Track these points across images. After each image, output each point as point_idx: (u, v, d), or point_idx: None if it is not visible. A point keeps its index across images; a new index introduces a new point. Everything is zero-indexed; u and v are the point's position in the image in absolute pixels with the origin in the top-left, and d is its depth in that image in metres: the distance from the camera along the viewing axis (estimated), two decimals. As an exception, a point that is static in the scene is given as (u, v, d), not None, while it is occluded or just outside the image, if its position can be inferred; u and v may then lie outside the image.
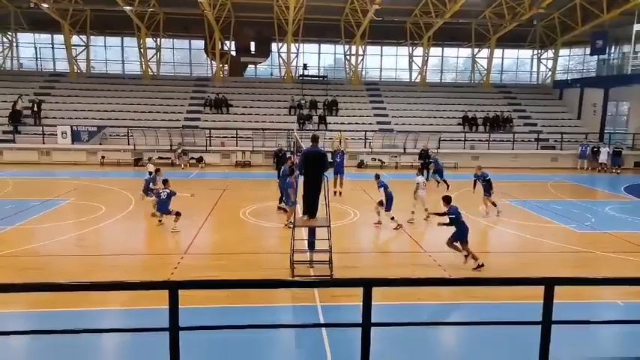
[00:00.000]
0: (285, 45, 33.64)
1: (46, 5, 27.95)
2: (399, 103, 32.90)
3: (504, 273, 9.66)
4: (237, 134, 27.65)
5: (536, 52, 36.84)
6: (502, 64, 37.74)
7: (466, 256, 10.19)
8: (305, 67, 34.23)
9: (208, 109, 30.78)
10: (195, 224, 13.25)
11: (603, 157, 26.98)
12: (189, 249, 11.26)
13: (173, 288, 2.62)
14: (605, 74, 30.88)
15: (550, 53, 36.39)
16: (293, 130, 26.36)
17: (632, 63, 28.12)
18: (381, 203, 13.39)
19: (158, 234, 12.76)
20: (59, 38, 33.32)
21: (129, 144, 27.04)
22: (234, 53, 34.71)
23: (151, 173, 16.67)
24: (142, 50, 33.68)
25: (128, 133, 27.05)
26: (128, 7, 28.00)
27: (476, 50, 35.88)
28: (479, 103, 32.73)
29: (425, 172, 20.62)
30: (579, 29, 30.43)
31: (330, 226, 9.62)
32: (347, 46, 35.12)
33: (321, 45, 36.14)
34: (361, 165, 27.13)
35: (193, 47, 35.92)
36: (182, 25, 33.13)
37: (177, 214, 12.79)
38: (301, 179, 10.19)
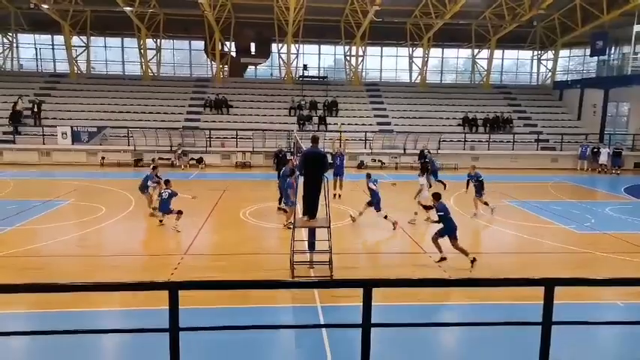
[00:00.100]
0: (285, 46, 33.66)
1: (46, 6, 27.96)
2: (399, 104, 32.90)
3: (504, 274, 9.67)
4: (237, 135, 27.65)
5: (536, 52, 36.86)
6: (502, 64, 37.76)
7: (472, 261, 10.17)
8: (305, 67, 34.25)
9: (208, 110, 30.79)
10: (195, 225, 13.25)
11: (603, 158, 26.98)
12: (189, 249, 11.26)
13: (173, 288, 2.62)
14: (605, 75, 30.87)
15: (550, 54, 36.40)
16: (293, 130, 26.37)
17: (632, 64, 28.13)
18: (370, 203, 13.51)
19: (158, 234, 12.76)
20: (59, 39, 33.34)
21: (129, 145, 27.05)
22: (234, 54, 34.73)
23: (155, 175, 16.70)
24: (142, 51, 33.70)
25: (128, 133, 27.06)
26: (128, 8, 28.02)
27: (476, 51, 35.90)
28: (479, 104, 32.74)
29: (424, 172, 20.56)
30: (579, 30, 30.43)
31: (330, 227, 9.62)
32: (347, 47, 35.14)
33: (321, 46, 36.16)
34: (361, 166, 27.13)
35: (193, 48, 35.94)
36: (182, 25, 33.15)
37: (179, 212, 12.81)
38: (301, 180, 10.20)
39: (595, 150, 27.58)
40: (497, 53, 35.95)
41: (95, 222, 13.63)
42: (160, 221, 13.17)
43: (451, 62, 38.88)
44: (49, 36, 34.18)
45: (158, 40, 34.24)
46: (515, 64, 38.61)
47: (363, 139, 28.46)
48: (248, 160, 27.29)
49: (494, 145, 29.46)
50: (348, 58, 35.62)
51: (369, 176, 14.04)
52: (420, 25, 32.94)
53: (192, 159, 26.71)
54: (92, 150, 26.89)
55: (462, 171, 25.70)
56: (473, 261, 10.07)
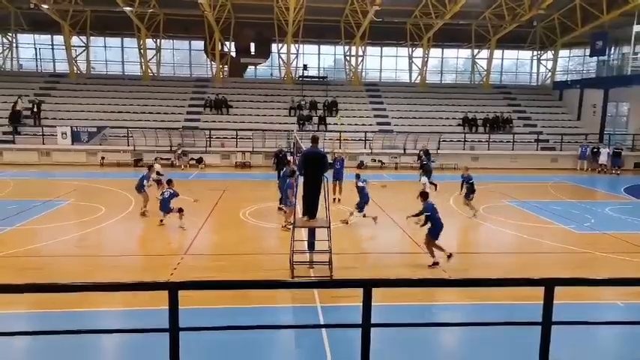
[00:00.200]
0: (285, 46, 33.65)
1: (46, 6, 27.95)
2: (399, 104, 32.90)
3: (504, 274, 9.67)
4: (237, 135, 27.65)
5: (536, 53, 36.86)
6: (502, 65, 37.76)
7: (448, 257, 10.30)
8: (305, 67, 34.25)
9: (208, 110, 30.78)
10: (195, 225, 13.25)
11: (603, 158, 26.98)
12: (189, 250, 11.26)
13: (173, 289, 2.62)
14: (605, 75, 30.87)
15: (550, 54, 36.41)
16: (293, 130, 26.37)
17: (631, 64, 28.13)
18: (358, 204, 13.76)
19: (158, 235, 12.76)
20: (59, 39, 33.33)
21: (129, 145, 27.04)
22: (234, 54, 34.72)
23: (157, 173, 16.73)
24: (141, 51, 33.69)
25: (128, 133, 27.05)
26: (128, 8, 28.02)
27: (476, 51, 35.91)
28: (479, 104, 32.74)
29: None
30: (579, 30, 30.44)
31: (330, 227, 9.63)
32: (347, 47, 35.14)
33: (321, 46, 36.17)
34: (361, 166, 27.03)
35: (193, 48, 35.94)
36: (182, 25, 33.14)
37: (180, 210, 12.82)
38: (301, 180, 10.20)
39: (595, 150, 27.58)
40: (497, 53, 35.96)
41: (95, 222, 13.63)
42: (161, 221, 13.16)
43: (451, 62, 38.89)
44: (49, 36, 34.18)
45: (158, 40, 34.23)
46: (515, 64, 38.62)
47: (363, 139, 28.46)
48: (248, 160, 27.29)
49: (494, 145, 29.46)
50: (347, 58, 35.62)
51: (358, 176, 14.34)
52: (419, 25, 32.94)
53: (192, 159, 26.71)
54: (92, 150, 26.89)
55: (461, 171, 25.73)
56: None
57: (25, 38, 34.69)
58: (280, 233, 12.70)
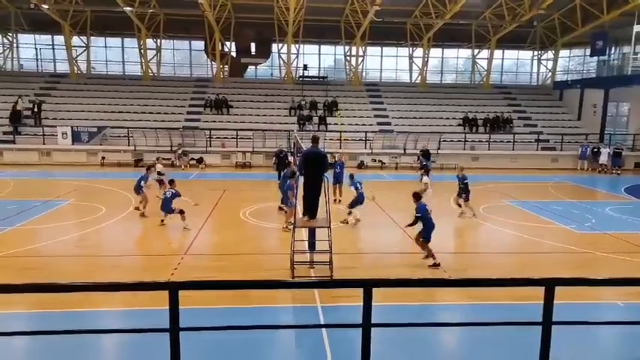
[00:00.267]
0: (286, 46, 33.66)
1: (46, 6, 27.96)
2: (400, 104, 32.90)
3: (504, 274, 9.67)
4: (237, 135, 27.66)
5: (536, 53, 36.85)
6: (502, 65, 37.75)
7: (430, 257, 10.37)
8: (305, 67, 34.24)
9: (208, 110, 30.79)
10: (195, 225, 13.24)
11: (603, 158, 26.97)
12: (189, 250, 11.26)
13: (173, 289, 2.62)
14: (606, 75, 30.86)
15: (550, 54, 36.40)
16: (293, 130, 26.37)
17: (632, 64, 28.11)
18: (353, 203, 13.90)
19: (158, 235, 12.76)
20: (59, 39, 33.35)
21: (129, 145, 27.05)
22: (234, 54, 34.72)
23: (159, 173, 16.76)
24: (142, 51, 33.70)
25: (128, 133, 27.06)
26: (128, 8, 28.03)
27: (476, 51, 35.89)
28: (479, 104, 32.74)
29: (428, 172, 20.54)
30: (579, 30, 30.43)
31: (330, 227, 9.63)
32: (347, 47, 35.13)
33: (322, 46, 36.16)
34: (361, 166, 27.14)
35: (193, 48, 35.95)
36: (182, 25, 33.14)
37: (181, 212, 12.82)
38: (301, 180, 10.20)
39: (595, 150, 27.57)
40: (498, 53, 35.95)
41: (95, 222, 13.63)
42: (162, 221, 13.15)
43: (451, 62, 38.88)
44: (49, 36, 34.19)
45: (158, 40, 34.24)
46: (516, 64, 38.61)
47: (363, 139, 28.46)
48: (248, 160, 27.29)
49: (494, 145, 29.46)
50: (348, 58, 35.62)
51: (352, 177, 14.59)
52: (420, 25, 32.94)
53: (192, 159, 26.72)
54: (92, 150, 26.90)
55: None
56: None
57: (25, 38, 34.71)
58: (281, 233, 12.70)
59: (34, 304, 7.64)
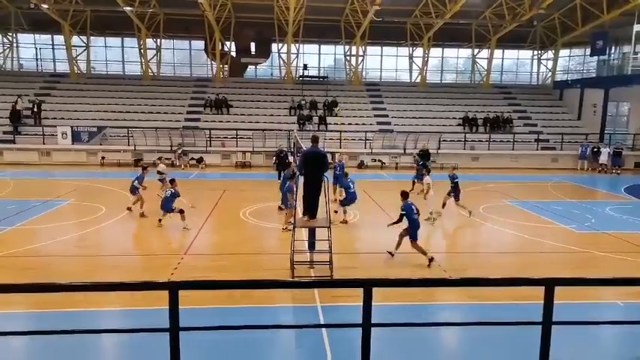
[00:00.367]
0: (286, 45, 33.65)
1: (46, 6, 27.95)
2: (399, 104, 32.90)
3: (504, 273, 9.66)
4: (237, 135, 27.66)
5: (536, 52, 36.84)
6: (502, 64, 37.74)
7: (394, 252, 10.57)
8: (305, 67, 34.23)
9: (208, 110, 30.78)
10: (195, 225, 13.24)
11: (603, 158, 26.97)
12: (189, 249, 11.26)
13: (173, 288, 2.62)
14: (606, 75, 30.85)
15: (550, 54, 36.39)
16: (293, 130, 26.37)
17: (632, 63, 28.09)
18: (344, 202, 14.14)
19: (158, 235, 12.76)
20: (59, 39, 33.34)
21: (129, 144, 27.05)
22: (234, 54, 34.72)
23: (160, 172, 16.77)
24: (142, 51, 33.69)
25: (128, 133, 27.06)
26: (128, 8, 28.02)
27: (476, 51, 35.89)
28: (479, 104, 32.72)
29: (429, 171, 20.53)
30: (579, 30, 30.43)
31: (330, 227, 9.63)
32: (347, 47, 35.13)
33: (322, 45, 36.15)
34: (361, 165, 27.14)
35: (193, 48, 35.94)
36: (182, 25, 33.13)
37: (181, 211, 12.82)
38: (301, 180, 10.19)
39: (595, 150, 27.57)
40: (498, 53, 35.95)
41: (95, 222, 13.63)
42: (159, 220, 13.14)
43: (451, 62, 38.88)
44: (49, 36, 34.18)
45: (158, 40, 34.24)
46: (516, 63, 38.60)
47: (363, 139, 28.46)
48: (248, 160, 27.29)
49: (494, 145, 29.45)
50: (348, 57, 35.62)
51: (346, 175, 14.83)
52: (420, 25, 32.93)
53: (192, 159, 26.72)
54: (92, 150, 26.90)
55: (462, 171, 25.71)
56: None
57: (25, 38, 34.71)
58: (281, 233, 12.70)
59: (34, 304, 7.64)
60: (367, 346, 2.75)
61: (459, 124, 31.08)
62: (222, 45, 33.77)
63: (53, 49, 34.55)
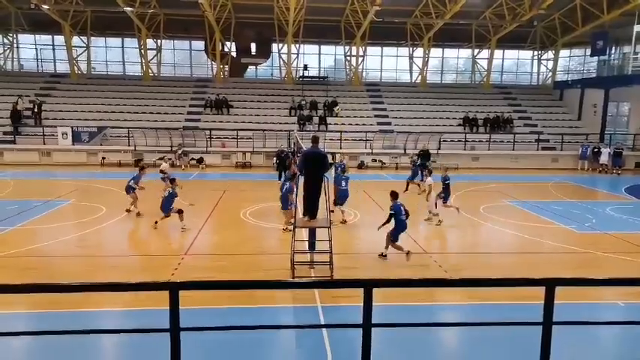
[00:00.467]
0: (286, 46, 33.66)
1: (46, 6, 27.96)
2: (400, 104, 32.90)
3: (505, 273, 9.66)
4: (237, 135, 27.66)
5: (536, 52, 36.84)
6: (502, 64, 37.74)
7: (386, 252, 10.61)
8: (305, 67, 34.24)
9: (209, 110, 30.79)
10: (195, 225, 13.25)
11: (604, 158, 26.96)
12: (189, 250, 11.26)
13: (174, 289, 2.62)
14: (606, 75, 30.85)
15: (550, 54, 36.38)
16: (293, 130, 26.38)
17: (632, 64, 28.10)
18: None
19: (159, 235, 12.75)
20: (60, 39, 33.35)
21: (129, 145, 27.06)
22: (234, 54, 34.72)
23: (162, 172, 16.79)
24: (142, 51, 33.71)
25: (129, 133, 27.07)
26: (129, 8, 28.03)
27: (476, 51, 35.89)
28: (479, 104, 32.73)
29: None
30: (580, 30, 30.42)
31: (330, 227, 9.63)
32: (347, 47, 35.13)
33: (322, 46, 36.15)
34: (361, 166, 27.14)
35: (194, 48, 35.94)
36: (182, 26, 33.15)
37: (180, 212, 12.81)
38: (301, 180, 10.20)
39: (596, 150, 27.56)
40: (498, 53, 35.94)
41: (96, 222, 13.64)
42: (155, 222, 13.09)
43: (451, 62, 38.87)
44: (50, 36, 34.20)
45: (158, 41, 34.25)
46: (516, 64, 38.59)
47: (364, 139, 28.46)
48: (248, 160, 27.30)
49: (494, 145, 29.45)
50: (348, 58, 35.62)
51: (344, 171, 15.05)
52: (420, 25, 32.93)
53: (192, 159, 26.71)
54: (92, 150, 26.91)
55: (462, 171, 25.74)
56: (383, 255, 10.58)
57: (25, 38, 34.73)
58: (281, 234, 12.70)
59: (35, 304, 7.64)
60: (368, 346, 2.75)
61: (459, 125, 31.08)
62: (223, 45, 33.78)
63: (54, 49, 34.57)
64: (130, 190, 14.52)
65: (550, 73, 36.61)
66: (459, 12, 28.61)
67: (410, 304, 7.91)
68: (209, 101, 31.04)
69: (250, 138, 27.56)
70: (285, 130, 28.06)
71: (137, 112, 30.07)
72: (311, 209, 10.04)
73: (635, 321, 3.29)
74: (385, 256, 10.68)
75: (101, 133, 27.26)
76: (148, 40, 33.39)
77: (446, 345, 7.38)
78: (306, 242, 10.38)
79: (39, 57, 34.97)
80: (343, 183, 14.40)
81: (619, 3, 26.52)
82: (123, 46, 35.45)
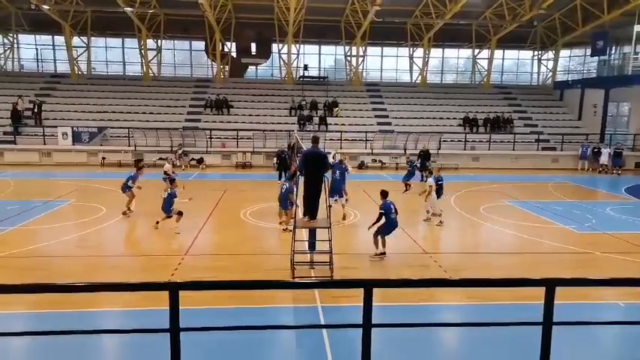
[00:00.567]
0: (286, 46, 33.67)
1: (46, 6, 27.98)
2: (400, 104, 32.91)
3: (505, 274, 9.66)
4: (237, 135, 27.67)
5: (536, 52, 36.85)
6: (502, 64, 37.75)
7: (380, 254, 10.67)
8: (305, 68, 34.23)
9: (209, 110, 30.79)
10: (195, 225, 13.25)
11: (604, 158, 26.96)
12: (189, 250, 11.26)
13: (174, 289, 2.62)
14: (606, 75, 30.85)
15: (550, 54, 36.39)
16: (293, 130, 26.37)
17: (632, 64, 28.10)
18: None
19: (159, 235, 12.75)
20: (60, 39, 33.36)
21: (129, 145, 27.06)
22: (234, 54, 34.73)
23: (165, 172, 16.80)
24: (142, 51, 33.72)
25: (129, 134, 27.07)
26: (129, 9, 28.04)
27: (476, 51, 35.90)
28: (479, 104, 32.73)
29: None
30: (580, 30, 30.42)
31: (330, 227, 9.63)
32: (347, 47, 35.14)
33: (322, 46, 36.17)
34: (362, 166, 27.14)
35: (194, 48, 35.96)
36: (183, 26, 33.17)
37: (179, 213, 12.79)
38: (301, 180, 10.20)
39: (596, 150, 27.55)
40: (498, 53, 35.95)
41: (96, 222, 13.64)
42: (157, 222, 13.08)
43: (451, 62, 38.88)
44: (50, 36, 34.22)
45: (159, 41, 34.26)
46: (516, 64, 38.60)
47: (364, 139, 28.46)
48: (248, 160, 27.30)
49: (494, 145, 29.44)
50: (348, 58, 35.63)
51: (341, 162, 15.17)
52: (420, 25, 32.94)
53: (192, 159, 26.72)
54: (93, 150, 26.91)
55: (462, 171, 25.75)
56: (381, 254, 10.67)
57: (26, 39, 34.75)
58: (281, 234, 12.71)
59: (35, 304, 7.64)
60: (368, 346, 2.75)
61: (460, 125, 31.08)
62: (223, 45, 33.79)
63: (54, 49, 34.58)
64: (126, 189, 14.52)
65: (550, 73, 36.61)
66: (459, 12, 28.61)
67: (410, 304, 7.91)
68: (209, 101, 31.04)
69: (250, 138, 27.56)
70: (286, 130, 28.07)
71: (137, 113, 30.07)
72: (311, 209, 10.04)
73: (635, 321, 3.29)
74: (384, 253, 10.66)
75: (101, 133, 27.27)
76: (148, 40, 33.41)
77: (446, 345, 7.38)
78: (306, 242, 10.38)
79: (39, 57, 34.99)
80: (337, 173, 14.15)
81: (619, 3, 26.52)
82: (123, 47, 35.47)
